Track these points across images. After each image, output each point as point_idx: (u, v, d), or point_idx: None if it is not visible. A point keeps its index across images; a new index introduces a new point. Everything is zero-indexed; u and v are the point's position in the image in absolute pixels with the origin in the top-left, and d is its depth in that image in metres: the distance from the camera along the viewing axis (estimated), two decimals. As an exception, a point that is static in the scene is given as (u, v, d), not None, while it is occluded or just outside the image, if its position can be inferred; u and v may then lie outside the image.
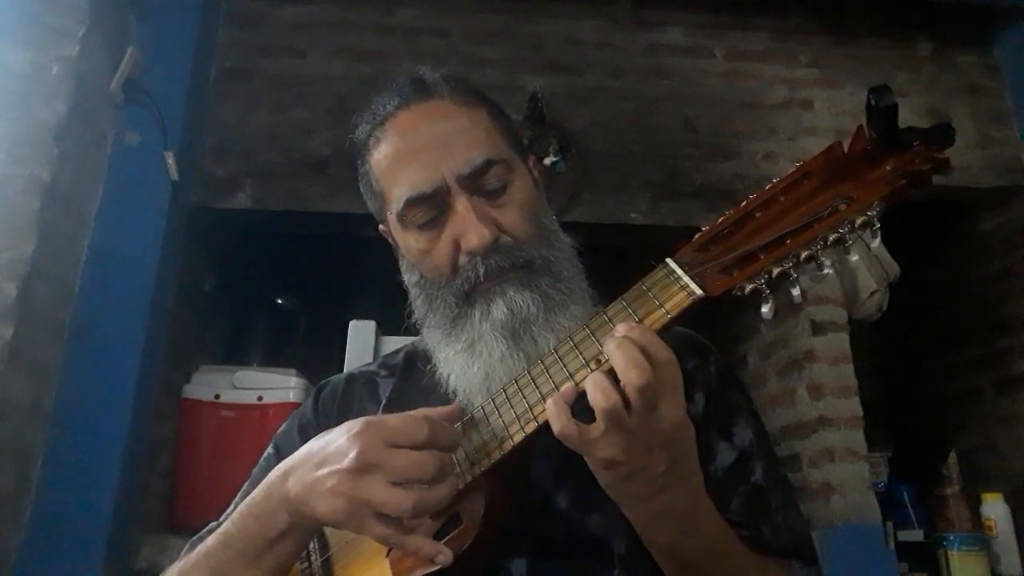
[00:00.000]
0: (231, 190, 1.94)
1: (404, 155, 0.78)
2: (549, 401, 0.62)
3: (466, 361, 0.75)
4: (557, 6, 2.22)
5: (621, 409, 0.58)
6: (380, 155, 0.80)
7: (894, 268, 2.15)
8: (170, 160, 1.76)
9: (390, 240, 0.88)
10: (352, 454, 0.62)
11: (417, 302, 0.82)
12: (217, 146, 1.98)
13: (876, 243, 0.59)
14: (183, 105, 1.85)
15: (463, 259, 0.76)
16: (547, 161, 1.99)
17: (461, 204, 0.75)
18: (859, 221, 0.58)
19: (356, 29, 2.14)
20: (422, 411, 0.68)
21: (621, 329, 0.60)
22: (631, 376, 0.58)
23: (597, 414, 0.59)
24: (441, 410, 0.69)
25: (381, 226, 0.88)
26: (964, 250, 2.48)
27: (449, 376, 0.78)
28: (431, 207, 0.76)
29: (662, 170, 2.10)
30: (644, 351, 0.58)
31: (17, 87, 1.54)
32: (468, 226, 0.74)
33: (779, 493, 0.80)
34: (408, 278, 0.84)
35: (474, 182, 0.76)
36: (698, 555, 0.67)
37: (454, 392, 0.77)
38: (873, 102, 0.57)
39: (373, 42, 2.13)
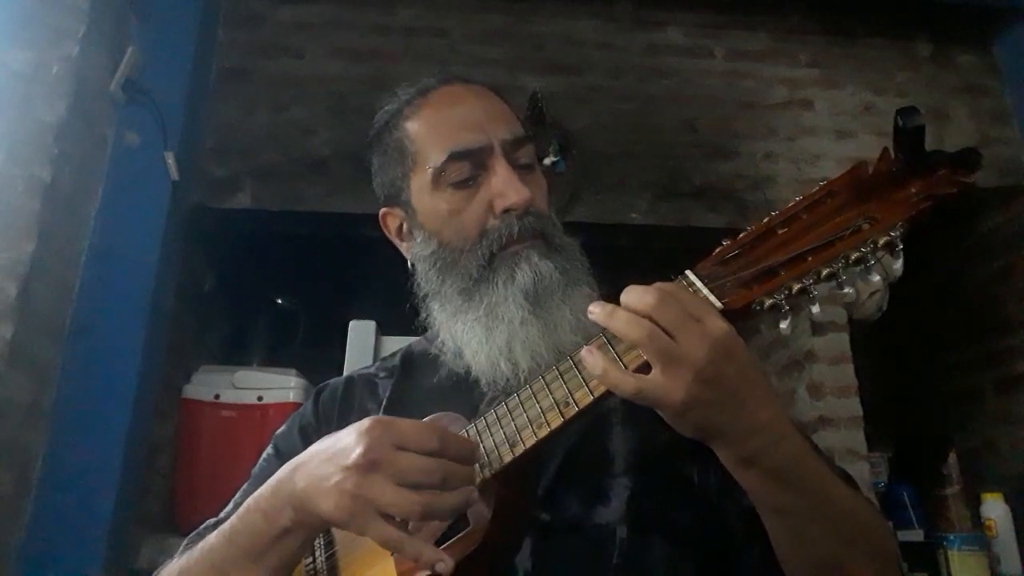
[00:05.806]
0: (231, 190, 1.94)
1: (452, 116, 0.83)
2: (604, 369, 0.58)
3: (486, 327, 0.76)
4: (557, 6, 2.22)
5: (661, 334, 0.56)
6: (421, 118, 0.85)
7: (894, 268, 2.15)
8: (170, 160, 1.76)
9: (391, 224, 0.89)
10: (358, 451, 0.61)
11: (429, 274, 0.83)
12: (217, 146, 1.98)
13: (899, 265, 0.59)
14: (183, 105, 1.85)
15: (493, 222, 0.79)
16: (547, 161, 1.98)
17: (501, 166, 0.79)
18: (882, 241, 0.58)
19: (356, 29, 2.13)
20: (436, 425, 0.67)
21: None
22: (647, 299, 0.57)
23: (643, 351, 0.57)
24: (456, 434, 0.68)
25: (383, 209, 0.89)
26: (964, 250, 2.47)
27: (463, 351, 0.78)
28: (472, 165, 0.80)
29: (662, 170, 2.09)
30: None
31: (17, 87, 1.54)
32: (509, 185, 0.78)
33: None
34: (420, 251, 0.84)
35: (513, 151, 0.81)
36: (794, 466, 0.62)
37: (468, 369, 0.77)
38: (900, 123, 0.57)
39: (373, 42, 2.13)
